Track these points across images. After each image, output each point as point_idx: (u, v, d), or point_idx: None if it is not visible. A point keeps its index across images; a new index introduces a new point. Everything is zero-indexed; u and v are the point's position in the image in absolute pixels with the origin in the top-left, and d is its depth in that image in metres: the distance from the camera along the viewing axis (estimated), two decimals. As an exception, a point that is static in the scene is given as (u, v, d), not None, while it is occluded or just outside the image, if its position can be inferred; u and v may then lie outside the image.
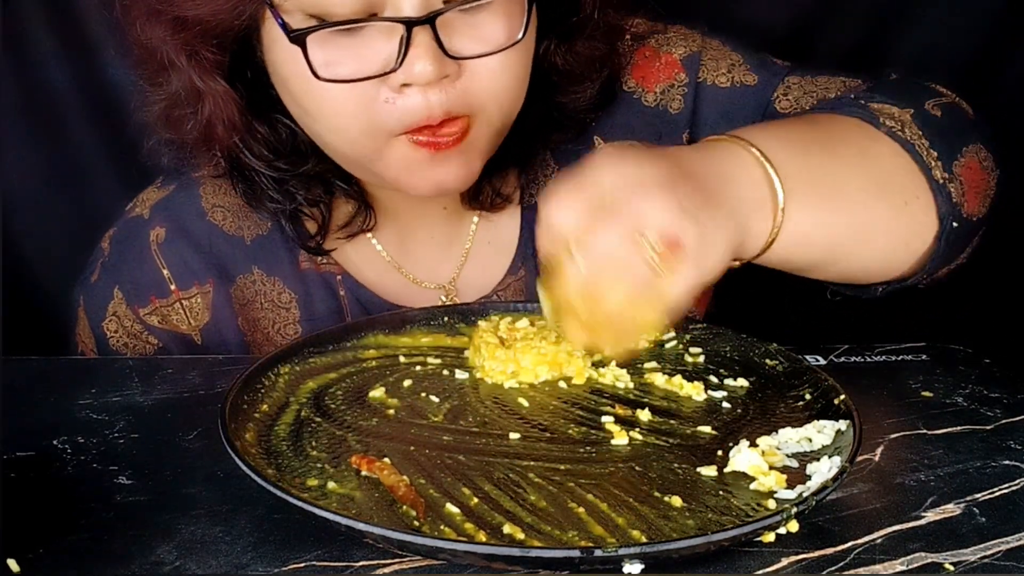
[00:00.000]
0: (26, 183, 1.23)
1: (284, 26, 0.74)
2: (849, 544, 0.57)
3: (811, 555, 0.56)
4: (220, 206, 0.94)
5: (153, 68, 0.84)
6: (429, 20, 0.73)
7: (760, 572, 0.55)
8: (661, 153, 0.68)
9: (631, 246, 0.61)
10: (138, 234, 0.93)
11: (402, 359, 0.78)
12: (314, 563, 0.56)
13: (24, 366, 0.83)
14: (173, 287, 0.92)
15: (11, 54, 1.18)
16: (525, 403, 0.71)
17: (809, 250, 0.75)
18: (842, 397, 0.68)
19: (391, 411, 0.70)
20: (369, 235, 0.95)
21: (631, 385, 0.74)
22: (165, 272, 0.92)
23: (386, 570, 0.55)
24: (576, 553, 0.53)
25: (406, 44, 0.73)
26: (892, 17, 1.19)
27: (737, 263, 0.74)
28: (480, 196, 0.92)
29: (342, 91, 0.75)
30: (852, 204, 0.76)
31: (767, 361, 0.77)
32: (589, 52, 0.89)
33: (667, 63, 0.94)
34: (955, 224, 0.79)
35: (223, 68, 0.81)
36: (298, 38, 0.73)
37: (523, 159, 0.93)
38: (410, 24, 0.72)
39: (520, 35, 0.77)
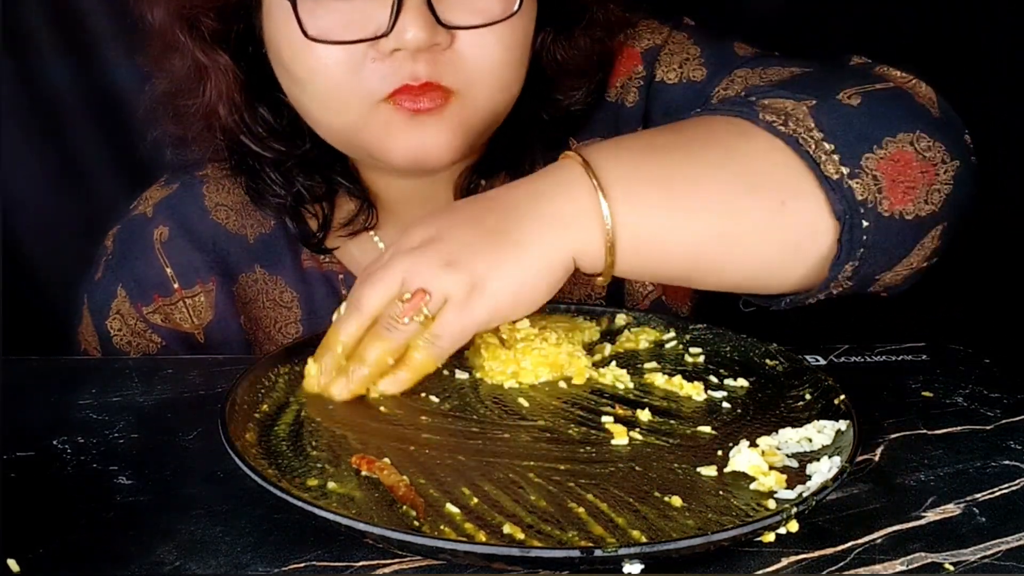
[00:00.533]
0: (26, 183, 1.24)
1: None
2: (849, 544, 0.57)
3: (811, 555, 0.56)
4: (223, 205, 0.95)
5: (159, 50, 0.85)
6: None
7: (760, 572, 0.55)
8: (461, 206, 0.72)
9: (388, 303, 0.69)
10: (141, 232, 0.94)
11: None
12: (314, 563, 0.56)
13: (24, 366, 0.83)
14: (176, 285, 0.92)
15: (12, 54, 1.18)
16: (525, 403, 0.71)
17: (666, 259, 0.72)
18: (842, 397, 0.68)
19: (391, 411, 0.70)
20: (372, 233, 0.95)
21: (631, 385, 0.74)
22: (168, 271, 0.92)
23: (386, 570, 0.55)
24: (576, 553, 0.53)
25: (397, 8, 0.74)
26: (890, 11, 1.19)
27: (600, 280, 0.72)
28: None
29: (331, 54, 0.76)
30: (712, 206, 0.71)
31: (767, 361, 0.77)
32: (588, 46, 0.89)
33: (628, 56, 0.94)
34: (866, 223, 0.71)
35: (225, 40, 0.83)
36: None
37: (515, 160, 0.92)
38: None
39: (516, 7, 0.77)
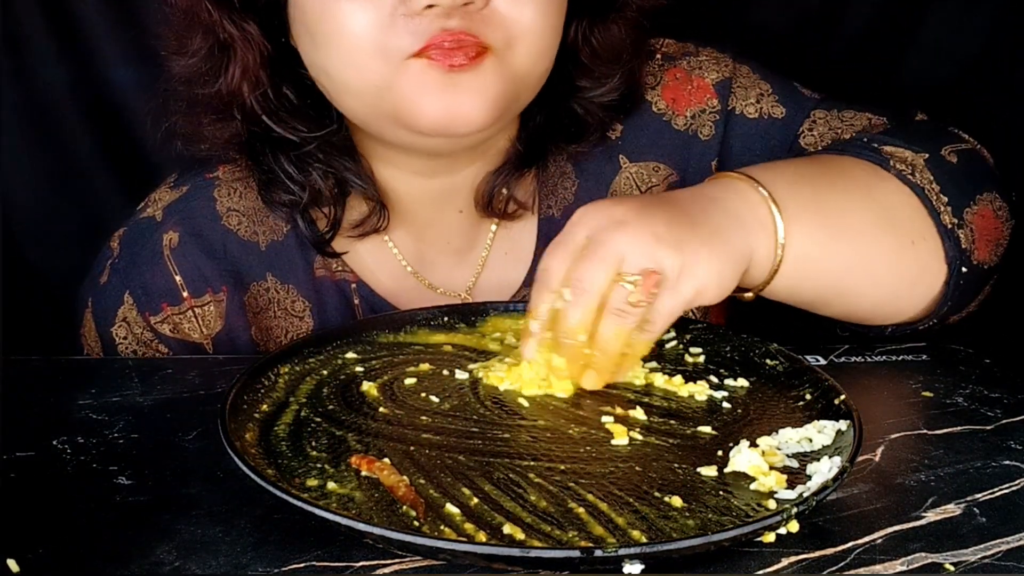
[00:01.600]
0: (26, 183, 1.23)
1: None
2: (849, 544, 0.57)
3: (811, 555, 0.56)
4: (235, 210, 0.92)
5: (180, 29, 0.84)
6: None
7: (760, 572, 0.55)
8: (645, 195, 0.74)
9: (611, 282, 0.68)
10: (150, 237, 0.91)
11: (403, 359, 0.78)
12: (314, 563, 0.56)
13: (24, 366, 0.83)
14: (185, 294, 0.90)
15: (11, 54, 1.18)
16: (525, 403, 0.71)
17: (816, 280, 0.76)
18: (842, 397, 0.68)
19: (391, 411, 0.70)
20: (386, 238, 0.93)
21: (635, 383, 0.74)
22: (177, 279, 0.90)
23: (386, 570, 0.55)
24: (576, 553, 0.53)
25: None
26: (900, 20, 1.19)
27: (749, 295, 0.77)
28: (494, 201, 0.91)
29: (358, 10, 0.74)
30: (857, 235, 0.77)
31: (767, 361, 0.77)
32: (622, 33, 0.88)
33: (699, 87, 0.94)
34: (964, 270, 0.80)
35: (253, 9, 0.82)
36: None
37: (538, 160, 0.92)
38: None
39: None
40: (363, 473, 0.62)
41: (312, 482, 0.61)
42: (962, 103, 0.89)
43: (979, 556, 0.56)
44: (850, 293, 0.79)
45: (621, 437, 0.66)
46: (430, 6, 0.73)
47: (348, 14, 0.75)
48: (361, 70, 0.77)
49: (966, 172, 0.83)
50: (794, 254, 0.74)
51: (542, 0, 0.78)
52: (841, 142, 0.88)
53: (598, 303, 0.69)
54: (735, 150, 0.94)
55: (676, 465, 0.63)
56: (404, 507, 0.58)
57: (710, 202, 0.74)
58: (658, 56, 0.95)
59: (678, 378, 0.74)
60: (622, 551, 0.53)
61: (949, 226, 0.79)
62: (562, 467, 0.63)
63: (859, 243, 0.77)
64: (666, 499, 0.59)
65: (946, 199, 0.80)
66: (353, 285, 0.93)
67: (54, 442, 0.69)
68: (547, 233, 0.93)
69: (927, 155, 0.82)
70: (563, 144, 0.92)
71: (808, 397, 0.71)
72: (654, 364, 0.76)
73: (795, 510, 0.56)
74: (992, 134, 0.91)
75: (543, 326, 0.71)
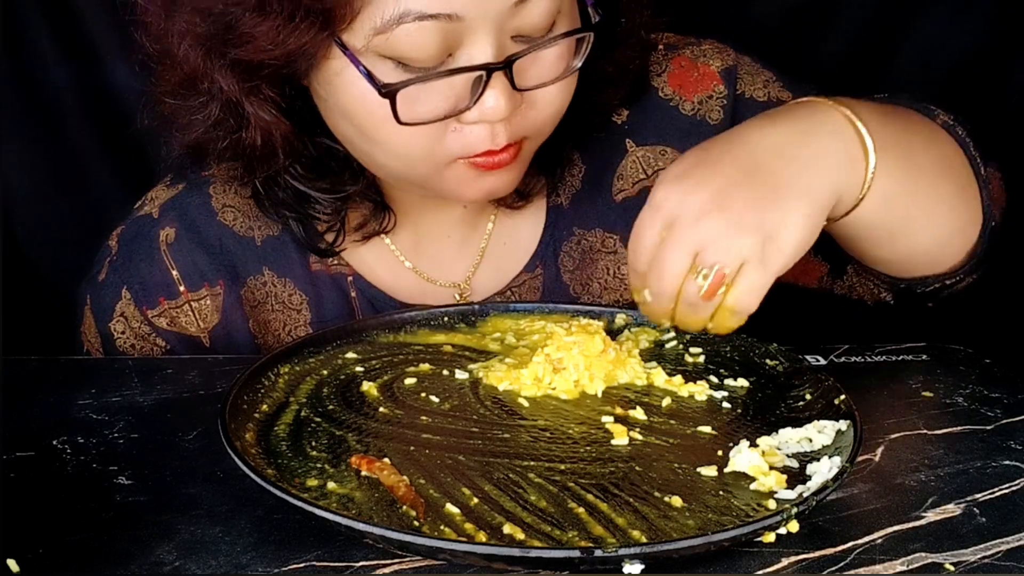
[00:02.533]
0: (27, 183, 1.23)
1: (370, 77, 0.74)
2: (849, 544, 0.57)
3: (811, 555, 0.56)
4: (231, 206, 0.93)
5: (185, 91, 0.82)
6: (507, 65, 0.74)
7: (760, 572, 0.55)
8: (724, 154, 0.72)
9: (686, 273, 0.69)
10: (147, 234, 0.92)
11: (403, 359, 0.78)
12: (314, 563, 0.56)
13: (24, 366, 0.83)
14: (182, 288, 0.91)
15: (11, 55, 1.18)
16: (525, 403, 0.71)
17: (889, 214, 0.77)
18: (842, 397, 0.68)
19: (391, 411, 0.70)
20: (384, 236, 0.94)
21: (638, 383, 0.74)
22: (174, 273, 0.91)
23: (386, 570, 0.55)
24: (576, 553, 0.53)
25: (484, 86, 0.74)
26: (893, 20, 1.19)
27: (833, 218, 0.75)
28: (504, 196, 0.92)
29: (415, 128, 0.76)
30: (927, 176, 0.79)
31: (767, 361, 0.77)
32: (627, 58, 0.91)
33: (704, 74, 0.95)
34: (992, 224, 0.82)
35: (277, 101, 0.81)
36: (390, 92, 0.73)
37: (551, 159, 0.93)
38: (490, 70, 0.74)
39: (578, 63, 0.79)
40: (363, 473, 0.62)
41: (312, 482, 0.61)
42: (955, 102, 0.88)
43: (979, 556, 0.56)
44: (913, 232, 0.80)
45: (621, 437, 0.66)
46: (477, 122, 0.76)
47: (405, 132, 0.76)
48: (407, 167, 0.80)
49: (976, 142, 0.85)
50: (879, 192, 0.74)
51: (567, 84, 0.80)
52: (879, 98, 0.88)
53: (675, 301, 0.70)
54: None
55: (676, 465, 0.63)
56: (404, 507, 0.58)
57: (800, 140, 0.72)
58: (660, 46, 0.95)
59: (678, 378, 0.74)
60: (622, 551, 0.53)
61: (985, 177, 0.83)
62: (562, 467, 0.63)
63: (929, 184, 0.79)
64: (666, 499, 0.59)
65: (977, 155, 0.83)
66: (350, 278, 0.94)
67: (54, 442, 0.69)
68: (554, 222, 0.95)
69: (951, 117, 0.85)
70: (573, 140, 0.93)
71: (808, 397, 0.71)
72: (654, 364, 0.76)
73: (795, 510, 0.56)
74: (985, 132, 0.90)
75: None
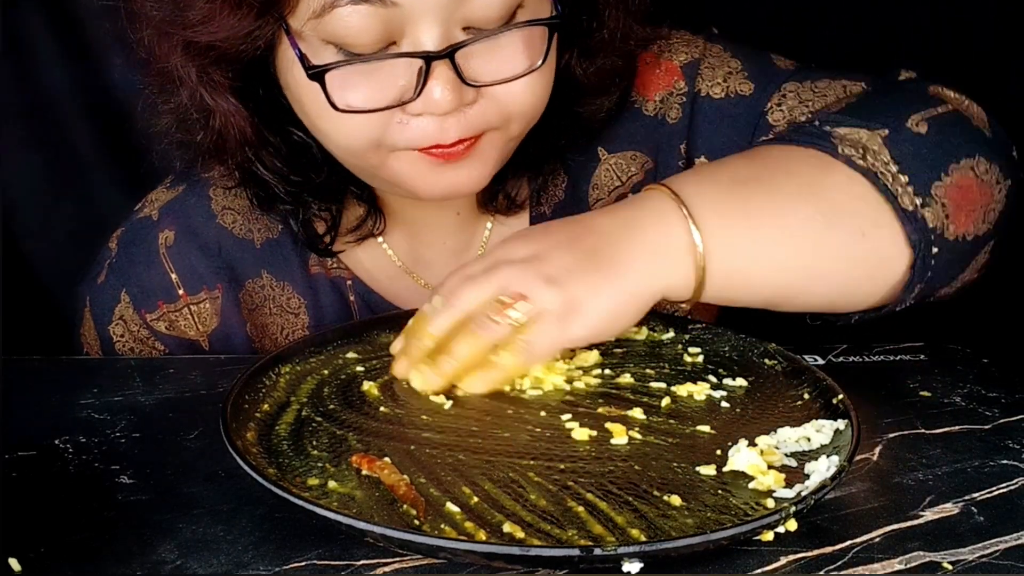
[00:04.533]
0: (27, 184, 1.23)
1: (303, 59, 0.74)
2: (847, 543, 0.57)
3: (810, 554, 0.56)
4: (230, 208, 0.93)
5: (161, 81, 0.83)
6: (448, 54, 0.72)
7: (759, 571, 0.55)
8: (564, 227, 0.74)
9: (484, 303, 0.70)
10: (146, 236, 0.92)
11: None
12: (315, 562, 0.56)
13: (25, 366, 0.83)
14: (181, 291, 0.91)
15: (12, 56, 1.18)
16: (525, 403, 0.71)
17: (752, 289, 0.75)
18: (840, 396, 0.68)
19: (392, 410, 0.70)
20: (380, 239, 0.94)
21: (636, 382, 0.74)
22: (173, 276, 0.91)
23: (387, 569, 0.56)
24: (576, 552, 0.53)
25: (425, 76, 0.72)
26: (896, 11, 1.19)
27: (685, 305, 0.75)
28: (494, 202, 0.92)
29: (357, 119, 0.75)
30: (796, 238, 0.74)
31: (766, 361, 0.77)
32: (610, 66, 0.88)
33: (667, 70, 0.93)
34: (935, 249, 0.75)
35: (234, 89, 0.81)
36: (317, 75, 0.73)
37: (536, 165, 0.92)
38: (429, 58, 0.72)
39: (540, 62, 0.76)
40: (364, 472, 0.62)
41: (313, 481, 0.61)
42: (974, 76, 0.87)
43: (977, 555, 0.57)
44: (798, 294, 0.76)
45: (621, 436, 0.66)
46: (422, 114, 0.75)
47: (347, 120, 0.75)
48: (356, 157, 0.79)
49: (937, 142, 0.78)
50: (720, 270, 0.72)
51: (532, 83, 0.77)
52: (792, 128, 0.85)
53: (462, 321, 0.71)
54: (703, 132, 0.92)
55: (675, 464, 0.63)
56: (404, 506, 0.59)
57: (627, 229, 0.73)
58: (629, 49, 0.92)
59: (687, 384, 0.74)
60: (621, 550, 0.53)
61: (911, 208, 0.75)
62: (562, 466, 0.63)
63: (800, 246, 0.74)
64: (665, 498, 0.59)
65: (905, 178, 0.75)
66: (349, 282, 0.94)
67: (56, 441, 0.69)
68: None
69: (886, 132, 0.77)
70: (558, 148, 0.92)
71: (806, 396, 0.71)
72: (654, 364, 0.77)
73: (793, 509, 0.56)
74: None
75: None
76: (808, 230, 0.74)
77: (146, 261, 0.91)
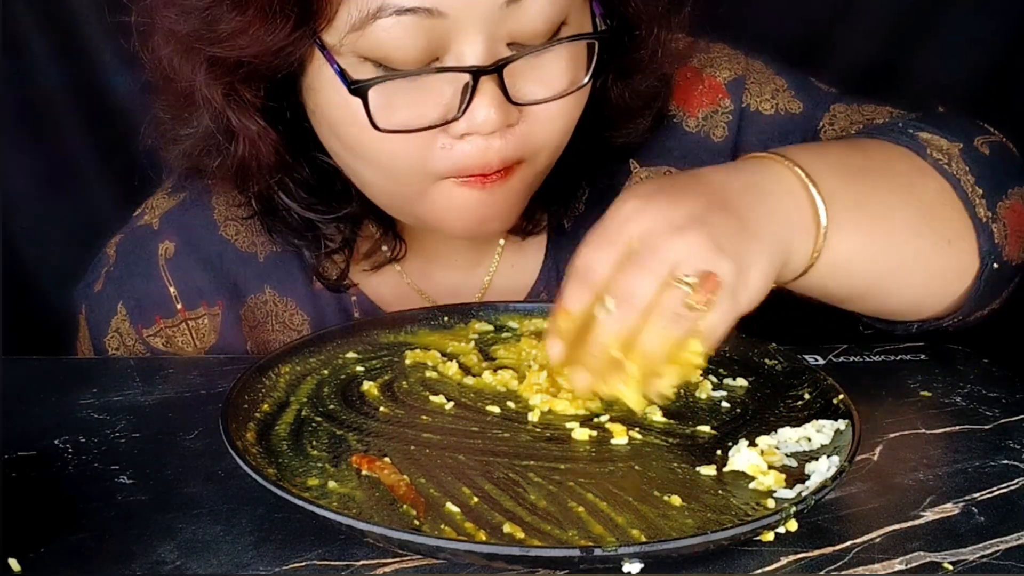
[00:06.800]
0: (25, 185, 1.24)
1: (342, 74, 0.71)
2: (848, 543, 0.57)
3: (810, 554, 0.56)
4: (233, 219, 0.90)
5: (178, 102, 0.80)
6: (497, 69, 0.70)
7: (759, 571, 0.55)
8: (694, 183, 0.68)
9: (666, 289, 0.62)
10: (146, 246, 0.89)
11: (402, 358, 0.78)
12: (315, 562, 0.56)
13: (24, 366, 0.83)
14: (179, 306, 0.88)
15: (8, 58, 1.18)
16: (525, 403, 0.71)
17: (849, 279, 0.74)
18: (841, 396, 0.68)
19: (391, 411, 0.70)
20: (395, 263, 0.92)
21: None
22: (171, 290, 0.88)
23: (386, 569, 0.56)
24: (576, 552, 0.53)
25: (471, 93, 0.70)
26: (907, 31, 1.18)
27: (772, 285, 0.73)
28: (514, 228, 0.89)
29: (399, 138, 0.71)
30: (896, 236, 0.74)
31: (766, 361, 0.77)
32: (646, 88, 0.86)
33: (711, 87, 0.91)
34: (995, 266, 0.77)
35: (261, 108, 0.78)
36: (359, 90, 0.70)
37: (563, 195, 0.89)
38: (477, 73, 0.69)
39: (586, 79, 0.75)
40: (363, 472, 0.62)
41: (313, 481, 0.61)
42: (979, 108, 0.87)
43: (977, 555, 0.57)
44: (881, 293, 0.77)
45: (621, 437, 0.66)
46: (467, 134, 0.72)
47: (389, 142, 0.72)
48: (397, 183, 0.76)
49: (998, 164, 0.80)
50: (831, 255, 0.71)
51: (570, 105, 0.75)
52: (876, 126, 0.85)
53: (645, 316, 0.63)
54: (752, 147, 0.89)
55: (675, 464, 0.63)
56: (404, 506, 0.59)
57: (758, 195, 0.68)
58: (665, 72, 0.90)
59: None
60: (621, 550, 0.53)
61: (984, 220, 0.77)
62: (562, 466, 0.63)
63: (897, 244, 0.75)
64: (665, 498, 0.59)
65: (981, 191, 0.77)
66: (354, 299, 0.91)
67: (55, 441, 0.69)
68: (557, 246, 0.92)
69: (961, 145, 0.79)
70: (587, 177, 0.90)
71: (807, 396, 0.71)
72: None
73: (794, 509, 0.56)
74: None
75: (575, 328, 0.65)
76: (908, 231, 0.75)
77: (145, 273, 0.89)
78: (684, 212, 0.64)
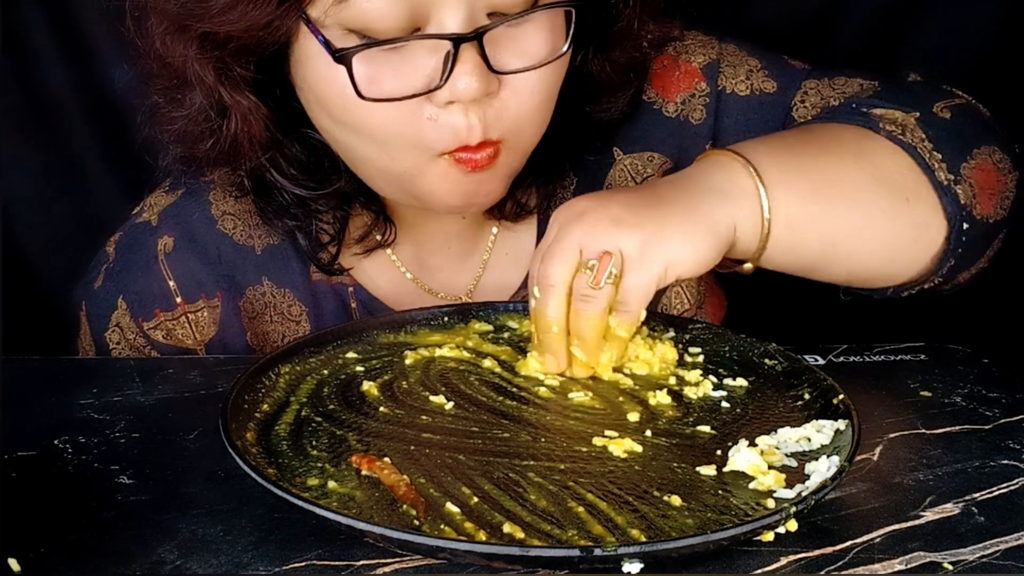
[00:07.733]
0: (25, 184, 1.23)
1: (327, 44, 0.72)
2: (848, 543, 0.57)
3: (810, 554, 0.56)
4: (231, 213, 0.91)
5: (171, 83, 0.81)
6: (477, 36, 0.71)
7: (759, 571, 0.55)
8: (626, 188, 0.76)
9: (573, 272, 0.71)
10: (145, 242, 0.91)
11: (402, 358, 0.78)
12: (314, 562, 0.56)
13: (24, 366, 0.83)
14: (179, 300, 0.90)
15: (10, 56, 1.18)
16: (524, 403, 0.71)
17: (810, 243, 0.77)
18: (841, 397, 0.68)
19: (391, 411, 0.70)
20: (388, 250, 0.93)
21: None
22: (171, 284, 0.89)
23: (386, 569, 0.56)
24: (576, 552, 0.53)
25: (452, 60, 0.72)
26: (901, 15, 1.18)
27: (748, 267, 0.77)
28: (503, 208, 0.91)
29: (386, 108, 0.74)
30: (849, 196, 0.78)
31: (766, 361, 0.77)
32: (625, 60, 0.88)
33: (687, 72, 0.93)
34: (966, 226, 0.79)
35: (252, 83, 0.79)
36: (343, 57, 0.72)
37: (547, 172, 0.91)
38: (458, 41, 0.71)
39: (565, 48, 0.76)
40: (363, 472, 0.62)
41: (313, 481, 0.61)
42: (973, 92, 0.87)
43: (977, 555, 0.57)
44: (848, 255, 0.79)
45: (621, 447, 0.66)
46: (451, 102, 0.74)
47: (377, 112, 0.74)
48: (394, 159, 0.78)
49: (960, 127, 0.83)
50: (784, 218, 0.75)
51: (548, 77, 0.77)
52: (829, 109, 0.88)
53: (567, 294, 0.71)
54: (730, 129, 0.93)
55: (675, 464, 0.63)
56: (404, 506, 0.59)
57: (685, 180, 0.76)
58: (644, 43, 0.92)
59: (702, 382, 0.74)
60: (621, 550, 0.53)
61: (945, 182, 0.79)
62: (562, 466, 0.63)
63: (852, 204, 0.78)
64: (665, 498, 0.59)
65: (940, 155, 0.80)
66: (351, 289, 0.93)
67: (55, 441, 0.69)
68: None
69: (918, 114, 0.82)
70: (569, 154, 0.92)
71: (807, 397, 0.71)
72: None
73: (794, 509, 0.56)
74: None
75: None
76: (861, 191, 0.78)
77: (144, 268, 0.90)
78: (588, 200, 0.73)
